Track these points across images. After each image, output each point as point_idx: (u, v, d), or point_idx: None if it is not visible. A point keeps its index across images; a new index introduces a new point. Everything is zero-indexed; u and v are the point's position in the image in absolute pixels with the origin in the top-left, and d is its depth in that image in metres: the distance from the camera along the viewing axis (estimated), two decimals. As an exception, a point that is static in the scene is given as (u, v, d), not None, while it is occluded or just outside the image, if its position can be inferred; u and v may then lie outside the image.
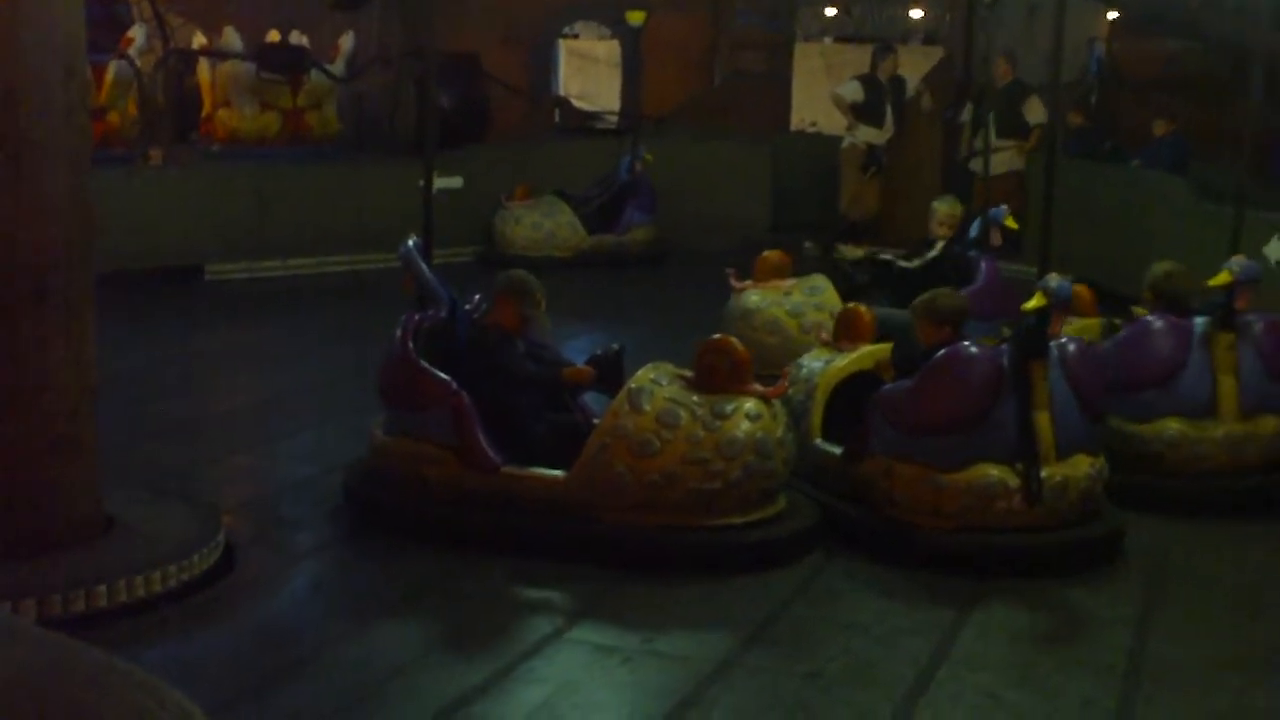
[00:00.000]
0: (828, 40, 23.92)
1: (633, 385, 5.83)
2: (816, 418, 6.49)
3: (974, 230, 9.08)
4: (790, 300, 8.69)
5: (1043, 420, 5.79)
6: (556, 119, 17.54)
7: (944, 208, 9.43)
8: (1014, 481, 5.75)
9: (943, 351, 5.97)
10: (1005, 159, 13.68)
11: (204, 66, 14.78)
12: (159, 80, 13.99)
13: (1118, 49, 16.00)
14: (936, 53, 19.64)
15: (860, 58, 15.05)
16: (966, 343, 6.00)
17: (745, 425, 5.70)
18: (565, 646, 5.05)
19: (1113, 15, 16.35)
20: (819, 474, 6.33)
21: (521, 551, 5.83)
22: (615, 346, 6.39)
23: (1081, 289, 7.56)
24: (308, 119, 14.86)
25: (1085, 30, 17.01)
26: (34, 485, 5.23)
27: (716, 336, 6.05)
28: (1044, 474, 5.74)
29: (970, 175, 14.06)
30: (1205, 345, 6.78)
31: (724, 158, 14.96)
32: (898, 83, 14.15)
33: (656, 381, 5.86)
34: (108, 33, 13.25)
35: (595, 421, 6.09)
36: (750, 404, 5.76)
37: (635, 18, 14.38)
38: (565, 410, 6.33)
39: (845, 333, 6.93)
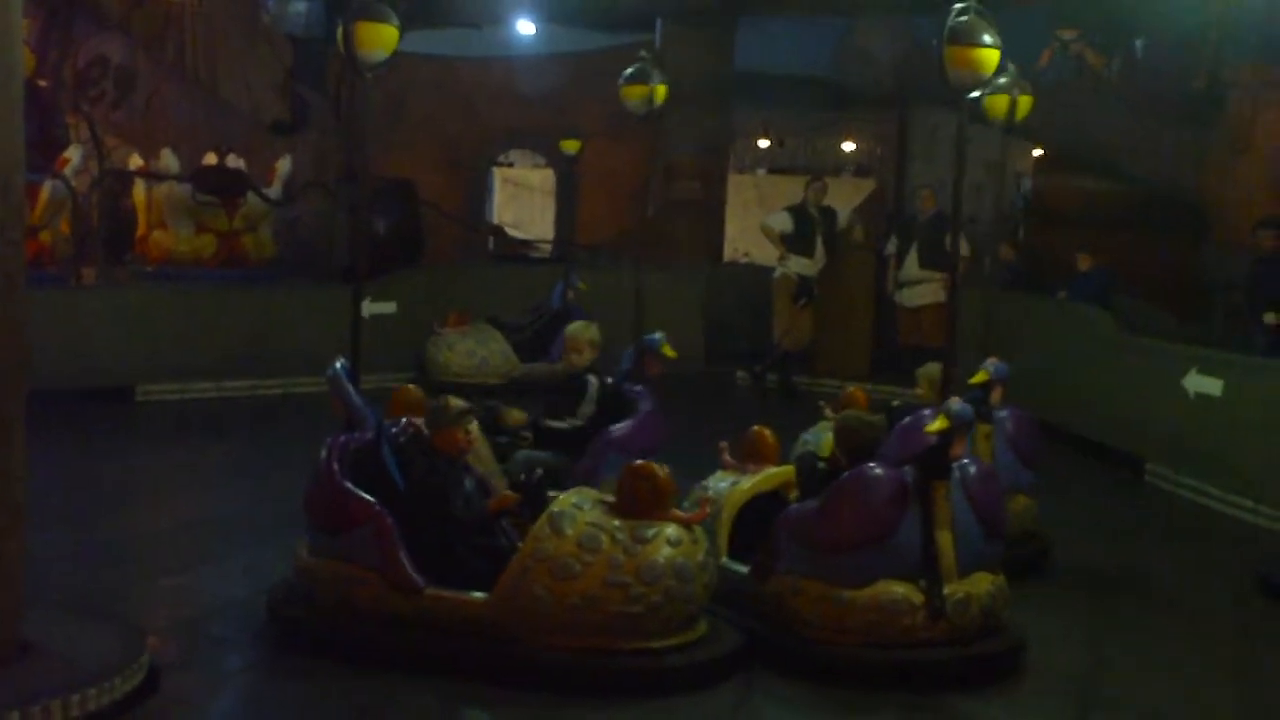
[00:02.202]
0: (761, 171, 24.32)
1: (554, 509, 5.85)
2: (723, 538, 6.60)
3: (625, 360, 8.60)
4: None
5: (945, 539, 5.96)
6: (490, 246, 17.69)
7: (583, 331, 8.51)
8: (918, 598, 5.90)
9: (848, 473, 6.13)
10: (929, 290, 13.93)
11: (140, 187, 14.84)
12: (94, 200, 14.01)
13: (1043, 185, 16.40)
14: (868, 185, 20.06)
15: (794, 189, 15.30)
16: (872, 465, 6.12)
17: (666, 550, 5.71)
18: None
19: (1038, 152, 16.80)
20: (727, 592, 6.33)
21: (448, 674, 5.79)
22: (538, 472, 6.44)
23: (856, 391, 8.16)
24: (243, 241, 14.93)
25: (1013, 166, 17.44)
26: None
27: (639, 462, 6.08)
28: (946, 591, 5.91)
29: (896, 308, 14.30)
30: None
31: (658, 287, 15.08)
32: (828, 213, 14.37)
33: (578, 506, 5.88)
34: (43, 152, 13.28)
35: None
36: (671, 529, 5.79)
37: (570, 146, 14.60)
38: (491, 534, 6.32)
39: (750, 454, 7.05)
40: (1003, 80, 9.49)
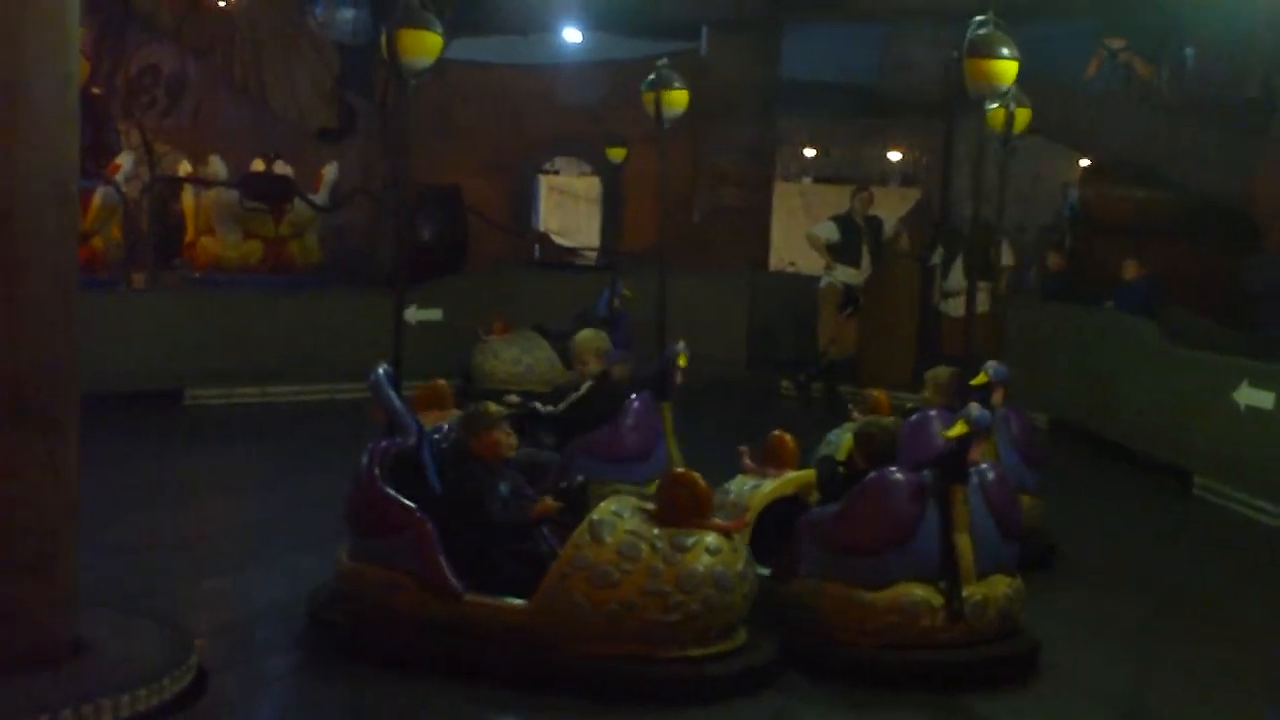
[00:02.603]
0: (807, 180, 24.28)
1: (594, 517, 5.85)
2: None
3: (650, 371, 8.83)
4: None
5: (964, 542, 6.06)
6: (536, 254, 17.72)
7: (591, 340, 8.89)
8: (937, 600, 5.98)
9: (870, 476, 6.25)
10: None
11: (188, 194, 14.96)
12: (144, 206, 14.14)
13: (1089, 194, 16.31)
14: (914, 194, 19.99)
15: (840, 198, 15.29)
16: (892, 469, 6.23)
17: (705, 559, 5.72)
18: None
19: (1085, 162, 16.70)
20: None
21: (485, 680, 5.81)
22: (580, 479, 6.46)
23: (880, 395, 8.24)
24: (289, 248, 15.02)
25: (1060, 175, 17.36)
26: (6, 603, 5.20)
27: (680, 470, 6.11)
28: (965, 593, 5.99)
29: (940, 317, 14.24)
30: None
31: (702, 295, 15.10)
32: (874, 223, 14.35)
33: (618, 513, 5.88)
34: (95, 159, 13.42)
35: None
36: (710, 538, 5.79)
37: (616, 154, 14.62)
38: (531, 540, 6.33)
39: (771, 459, 7.12)
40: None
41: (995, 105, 9.64)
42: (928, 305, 14.42)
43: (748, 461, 7.18)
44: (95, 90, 14.97)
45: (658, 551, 5.72)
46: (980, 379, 7.81)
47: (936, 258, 14.52)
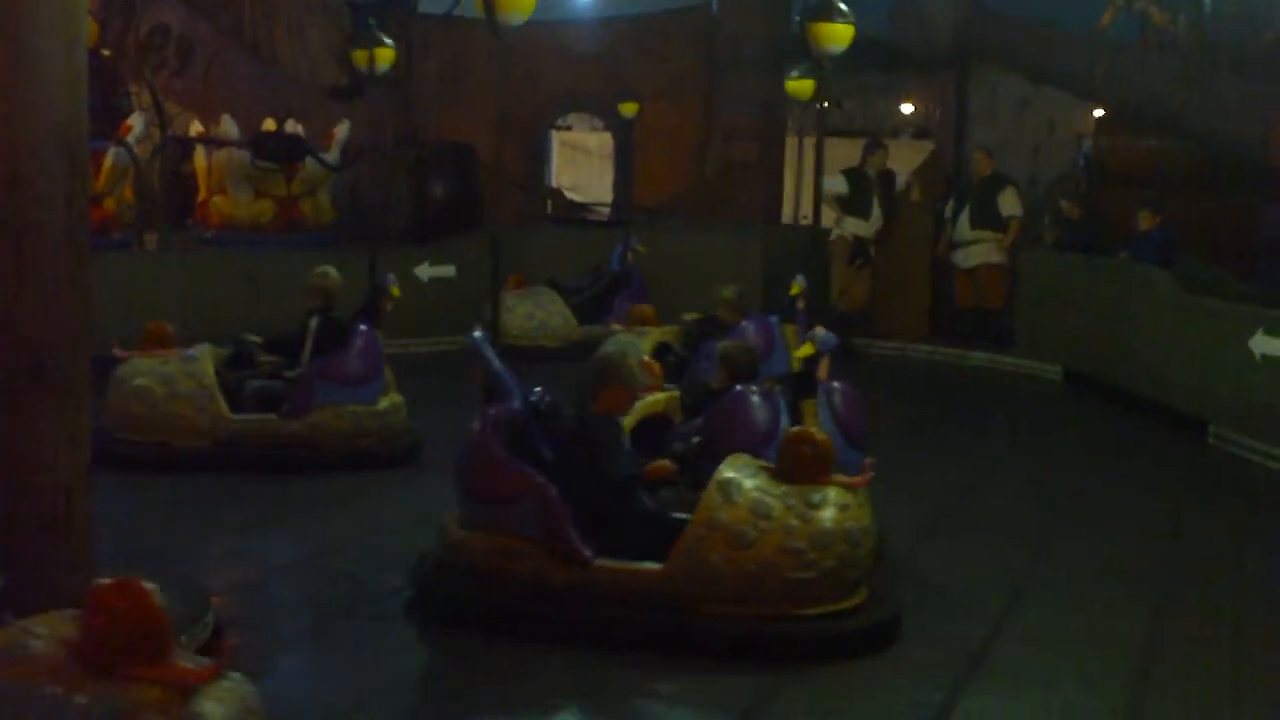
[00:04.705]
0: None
1: (720, 478, 5.88)
2: None
3: (362, 301, 9.80)
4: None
5: None
6: (549, 209, 17.69)
7: (319, 278, 9.33)
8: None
9: (727, 393, 6.87)
10: (982, 251, 13.84)
11: (200, 154, 14.95)
12: (155, 167, 14.13)
13: (1104, 144, 16.22)
14: (927, 147, 19.88)
15: (852, 152, 15.20)
16: (750, 387, 6.90)
17: (835, 515, 5.81)
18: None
19: (1099, 112, 16.59)
20: None
21: (609, 645, 5.80)
22: (695, 440, 6.55)
23: (645, 308, 9.40)
24: (301, 206, 15.02)
25: (1073, 126, 17.25)
26: (24, 564, 5.23)
27: (800, 428, 6.19)
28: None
29: (952, 268, 14.21)
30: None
31: (715, 249, 15.07)
32: (887, 176, 14.31)
33: (742, 473, 5.92)
34: (107, 120, 13.40)
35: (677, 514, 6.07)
36: (835, 493, 5.88)
37: (628, 109, 14.58)
38: (639, 501, 6.24)
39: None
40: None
41: (795, 74, 10.37)
42: (940, 257, 14.38)
43: None
44: (105, 52, 14.94)
45: (790, 509, 5.79)
46: (806, 350, 7.77)
47: (947, 210, 14.48)
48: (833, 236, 14.14)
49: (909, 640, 6.05)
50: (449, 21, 15.76)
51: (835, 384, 7.12)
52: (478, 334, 6.43)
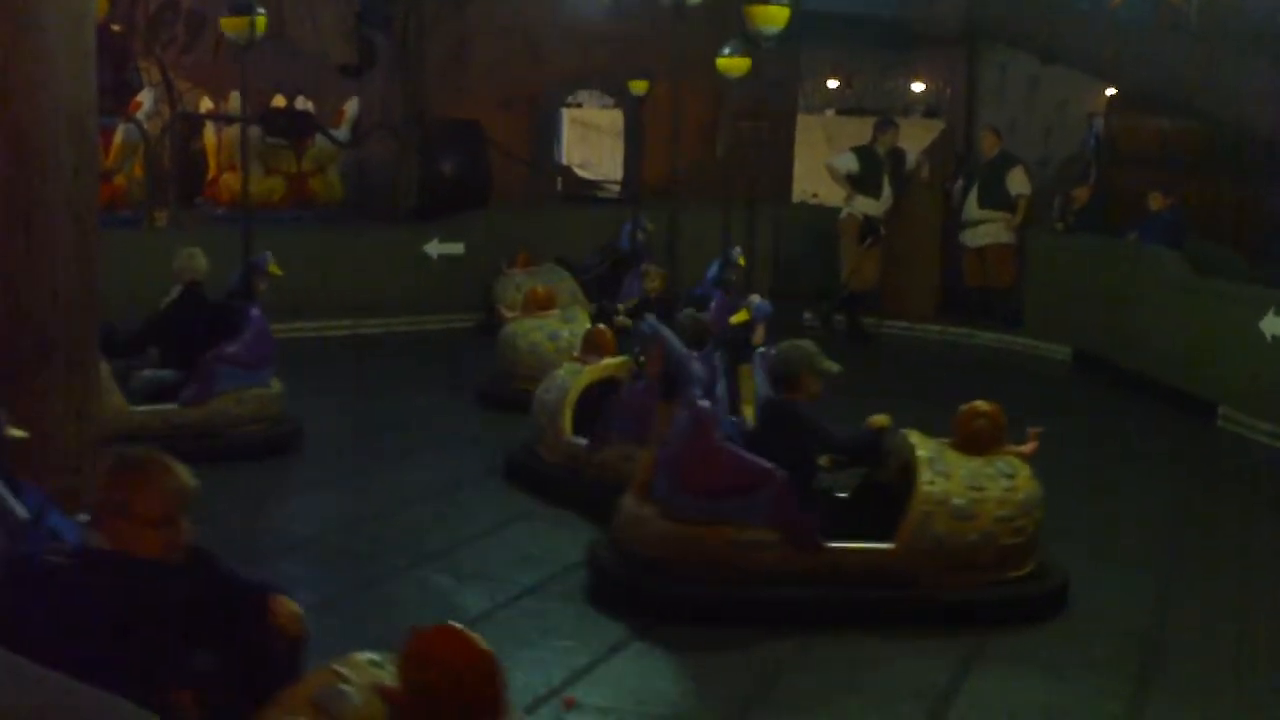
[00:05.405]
0: (830, 113, 24.13)
1: (923, 455, 6.14)
2: (567, 417, 7.89)
3: (234, 281, 9.68)
4: (548, 327, 10.11)
5: (748, 411, 7.40)
6: (559, 187, 17.66)
7: (186, 259, 9.12)
8: None
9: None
10: (990, 230, 13.81)
11: (210, 130, 14.94)
12: (165, 144, 14.12)
13: (1115, 125, 16.18)
14: (937, 125, 19.85)
15: (862, 130, 15.17)
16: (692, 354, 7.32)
17: (1026, 482, 6.21)
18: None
19: (1111, 92, 16.54)
20: (568, 460, 7.74)
21: (840, 625, 5.97)
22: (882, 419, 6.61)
23: (603, 330, 9.02)
24: (311, 184, 15.02)
25: (1084, 106, 17.20)
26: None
27: (977, 402, 6.44)
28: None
29: (960, 247, 14.18)
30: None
31: (722, 227, 15.02)
32: (897, 155, 14.26)
33: (933, 450, 6.21)
34: (117, 97, 13.40)
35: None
36: (1017, 462, 6.27)
37: (638, 87, 14.54)
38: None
39: (591, 348, 8.52)
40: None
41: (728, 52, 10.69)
42: (950, 237, 14.35)
43: (574, 354, 8.52)
44: (115, 27, 14.92)
45: (998, 480, 6.11)
46: (741, 316, 8.15)
47: (957, 191, 14.44)
48: (843, 215, 14.10)
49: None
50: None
51: (771, 349, 7.20)
52: (652, 321, 7.10)
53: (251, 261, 9.66)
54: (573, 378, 8.14)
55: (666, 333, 7.05)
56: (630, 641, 5.85)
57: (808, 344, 6.52)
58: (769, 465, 6.00)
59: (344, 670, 3.26)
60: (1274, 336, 9.91)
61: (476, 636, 3.13)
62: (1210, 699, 5.55)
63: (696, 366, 7.00)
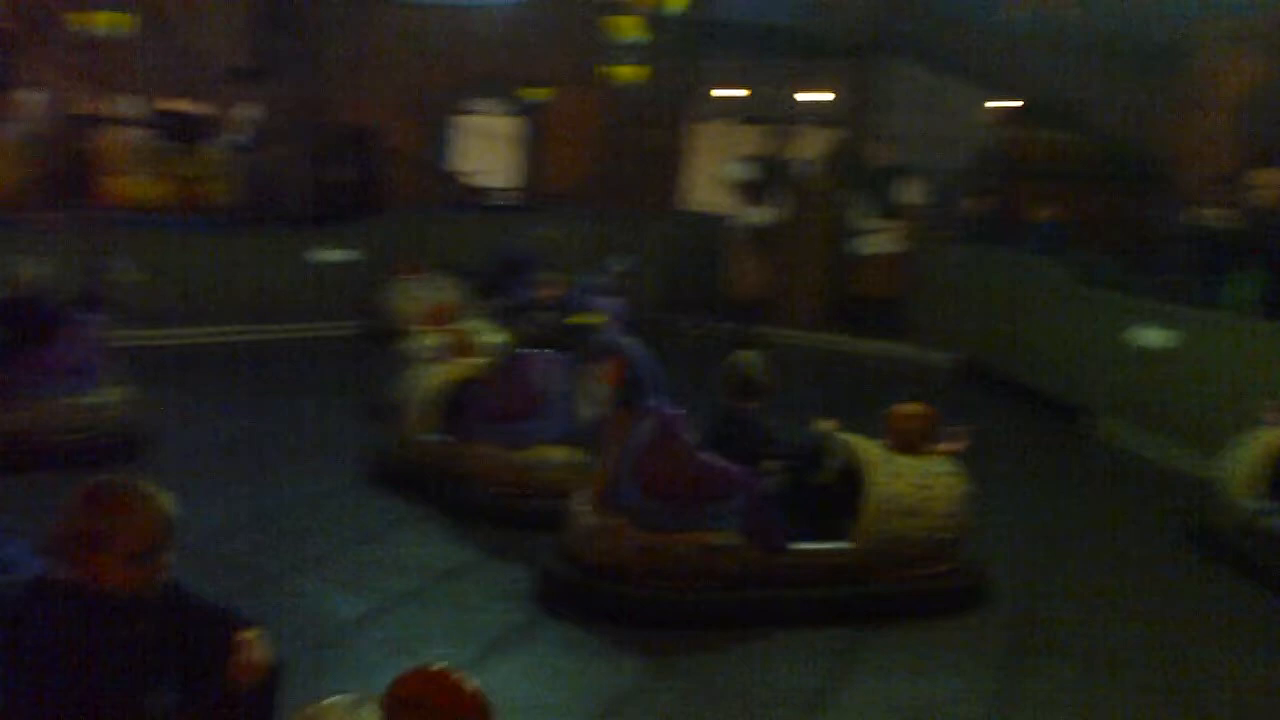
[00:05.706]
0: (727, 121, 24.20)
1: (867, 458, 6.35)
2: (431, 415, 8.12)
3: (84, 287, 9.34)
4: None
5: (584, 411, 7.53)
6: (452, 194, 17.62)
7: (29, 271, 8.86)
8: (577, 457, 7.36)
9: (512, 357, 7.93)
10: (880, 240, 14.00)
11: (98, 133, 14.78)
12: (53, 145, 13.94)
13: (1005, 137, 16.44)
14: (833, 135, 20.03)
15: (759, 139, 15.29)
16: (543, 352, 7.77)
17: (959, 479, 6.48)
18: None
19: (1001, 105, 16.81)
20: (422, 456, 7.99)
21: (795, 623, 6.15)
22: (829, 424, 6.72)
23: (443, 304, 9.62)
24: (203, 188, 14.89)
25: (979, 117, 17.46)
26: None
27: (910, 404, 6.66)
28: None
29: (851, 256, 14.35)
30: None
31: (619, 235, 15.10)
32: (790, 164, 14.40)
33: (877, 452, 6.38)
34: (2, 96, 13.22)
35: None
36: (948, 461, 6.51)
37: (535, 94, 14.58)
38: None
39: (456, 351, 8.68)
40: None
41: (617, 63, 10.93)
42: (841, 245, 14.51)
43: (448, 355, 8.64)
44: (3, 25, 14.71)
45: (940, 477, 6.36)
46: (592, 318, 8.79)
47: (849, 199, 14.61)
48: (734, 223, 14.21)
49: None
50: (356, 2, 15.67)
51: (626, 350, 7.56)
52: (621, 340, 7.24)
53: (98, 269, 9.64)
54: (432, 377, 8.34)
55: (626, 342, 7.19)
56: (505, 646, 5.88)
57: (756, 353, 6.73)
58: (743, 471, 6.15)
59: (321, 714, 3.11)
60: (1141, 347, 10.14)
61: (463, 675, 3.01)
62: (1080, 695, 5.69)
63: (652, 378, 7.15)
